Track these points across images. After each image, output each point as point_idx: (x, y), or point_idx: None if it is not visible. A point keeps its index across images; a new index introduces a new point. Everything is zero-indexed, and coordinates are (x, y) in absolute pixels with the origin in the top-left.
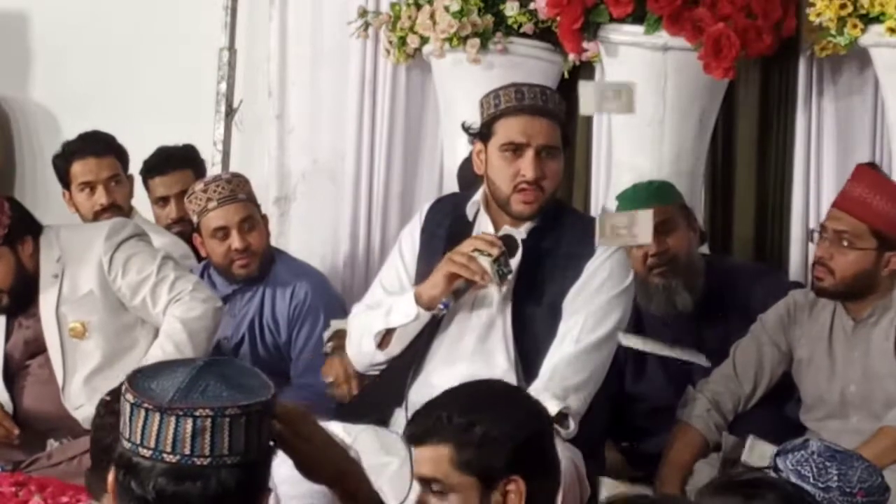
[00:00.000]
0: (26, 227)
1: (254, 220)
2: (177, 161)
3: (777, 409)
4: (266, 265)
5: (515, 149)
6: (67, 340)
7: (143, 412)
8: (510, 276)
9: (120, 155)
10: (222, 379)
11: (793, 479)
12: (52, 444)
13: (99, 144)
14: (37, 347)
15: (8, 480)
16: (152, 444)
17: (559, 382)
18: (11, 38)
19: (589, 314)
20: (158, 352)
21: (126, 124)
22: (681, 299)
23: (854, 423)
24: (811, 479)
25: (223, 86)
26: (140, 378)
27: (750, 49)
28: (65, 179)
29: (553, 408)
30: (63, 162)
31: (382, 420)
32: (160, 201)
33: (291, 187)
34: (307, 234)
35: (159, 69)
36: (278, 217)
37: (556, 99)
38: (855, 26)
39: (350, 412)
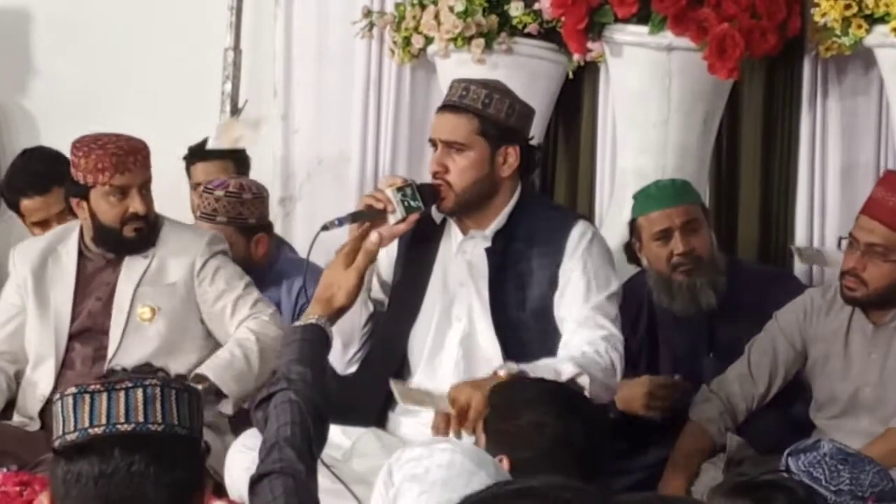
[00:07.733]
0: None
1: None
2: (220, 149)
3: (782, 410)
4: (270, 263)
5: (434, 145)
6: (133, 320)
7: (88, 397)
8: (418, 214)
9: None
10: None
11: (805, 480)
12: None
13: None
14: (92, 323)
15: (12, 480)
16: (104, 421)
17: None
18: (8, 38)
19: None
20: (227, 355)
21: (131, 125)
22: (705, 297)
23: (864, 424)
24: (823, 482)
25: (228, 86)
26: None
27: (754, 49)
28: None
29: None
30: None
31: (381, 423)
32: (197, 187)
33: (296, 187)
34: (312, 234)
35: (164, 69)
36: (283, 217)
37: (483, 93)
38: (860, 26)
39: (343, 415)
